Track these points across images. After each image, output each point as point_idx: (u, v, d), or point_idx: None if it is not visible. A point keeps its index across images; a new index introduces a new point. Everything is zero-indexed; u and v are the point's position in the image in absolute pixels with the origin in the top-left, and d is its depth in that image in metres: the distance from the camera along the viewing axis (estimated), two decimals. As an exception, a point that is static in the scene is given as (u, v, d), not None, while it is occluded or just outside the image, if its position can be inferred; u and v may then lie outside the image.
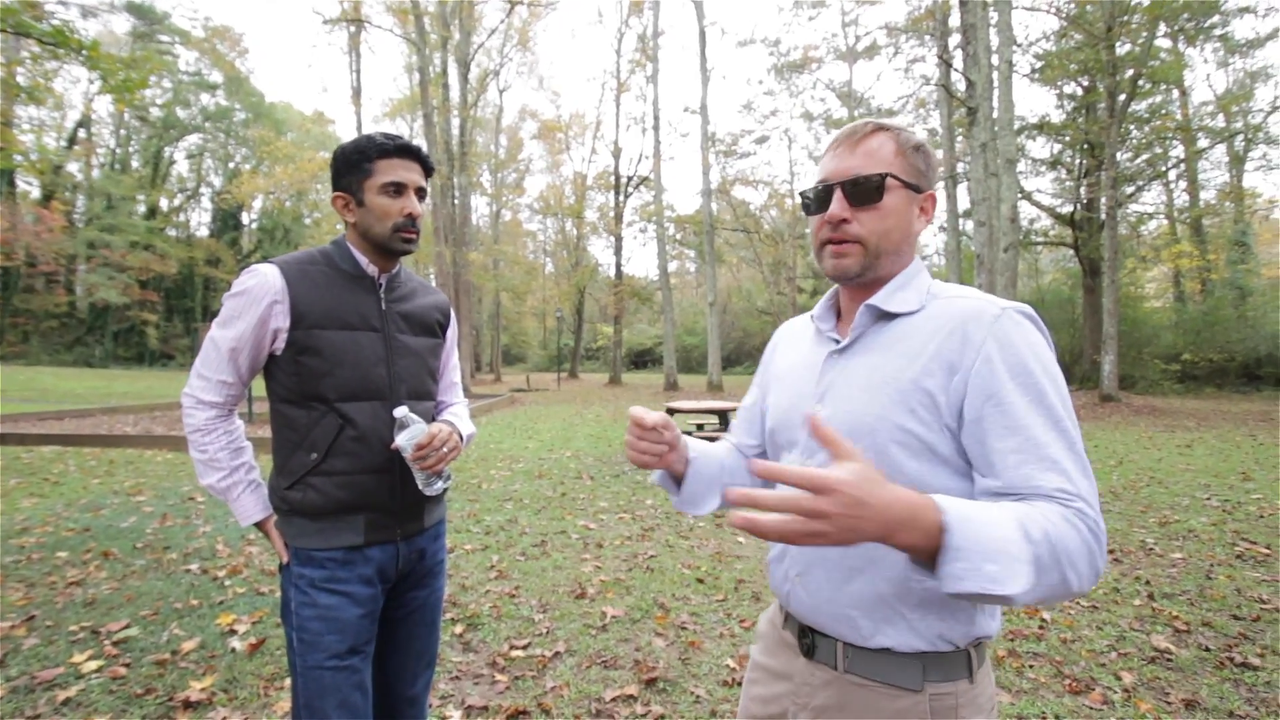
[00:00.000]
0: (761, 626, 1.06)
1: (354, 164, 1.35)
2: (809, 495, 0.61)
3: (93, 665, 2.55)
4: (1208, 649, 2.75)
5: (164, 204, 42.30)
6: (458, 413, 1.58)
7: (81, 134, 37.56)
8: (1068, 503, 0.73)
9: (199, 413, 1.33)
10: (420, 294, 1.52)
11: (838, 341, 0.94)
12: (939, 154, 21.96)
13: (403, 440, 1.29)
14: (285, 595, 1.34)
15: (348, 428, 1.31)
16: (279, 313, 1.29)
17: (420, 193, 1.39)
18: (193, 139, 43.25)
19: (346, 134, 38.69)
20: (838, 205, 0.89)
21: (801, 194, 0.95)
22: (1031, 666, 2.61)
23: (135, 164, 40.98)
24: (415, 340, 1.45)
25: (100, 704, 2.29)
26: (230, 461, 1.34)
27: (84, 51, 7.81)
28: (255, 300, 1.28)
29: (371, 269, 1.40)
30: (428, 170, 1.42)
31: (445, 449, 1.34)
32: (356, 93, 26.42)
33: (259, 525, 1.37)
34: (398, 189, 1.34)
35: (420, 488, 1.35)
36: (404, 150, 1.35)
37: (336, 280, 1.36)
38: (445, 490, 1.44)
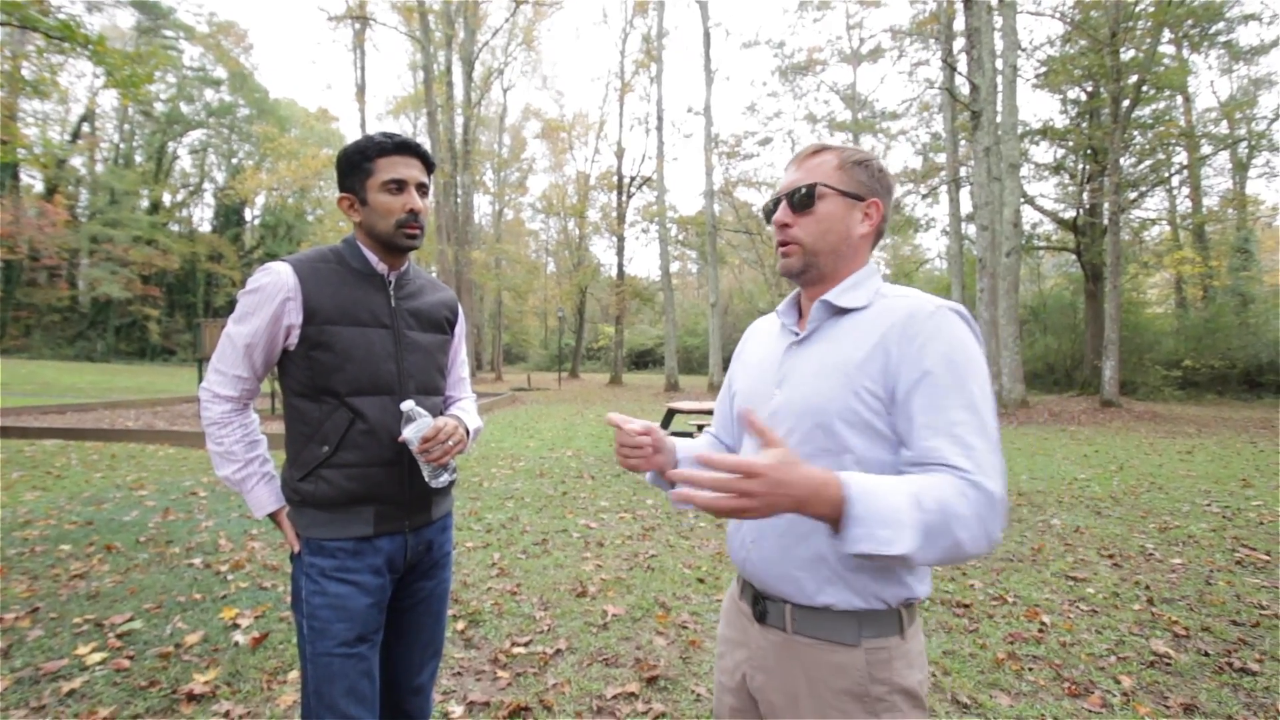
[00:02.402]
0: (725, 603, 1.18)
1: (355, 164, 1.38)
2: (739, 478, 0.76)
3: (97, 657, 2.57)
4: (1207, 654, 2.75)
5: (167, 199, 42.33)
6: (465, 407, 1.60)
7: (85, 128, 37.61)
8: (965, 475, 0.85)
9: (215, 406, 1.37)
10: (429, 291, 1.54)
11: (797, 334, 1.07)
12: (943, 157, 22.00)
13: (409, 433, 1.32)
14: (296, 584, 1.37)
15: (358, 421, 1.34)
16: (292, 309, 1.32)
17: (422, 188, 1.41)
18: (196, 134, 43.28)
19: (350, 131, 38.82)
20: (781, 212, 1.06)
21: (763, 206, 1.11)
22: (1031, 669, 2.62)
23: (139, 159, 41.01)
24: (424, 336, 1.48)
25: (104, 696, 2.31)
26: (245, 454, 1.37)
27: (90, 46, 7.83)
28: (269, 297, 1.32)
29: (381, 267, 1.43)
30: (429, 166, 1.44)
31: (451, 442, 1.36)
32: (361, 90, 26.44)
33: (272, 516, 1.41)
34: (399, 185, 1.37)
35: (426, 480, 1.38)
36: (403, 147, 1.38)
37: (347, 278, 1.39)
38: (451, 483, 1.46)
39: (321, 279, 1.36)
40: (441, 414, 1.52)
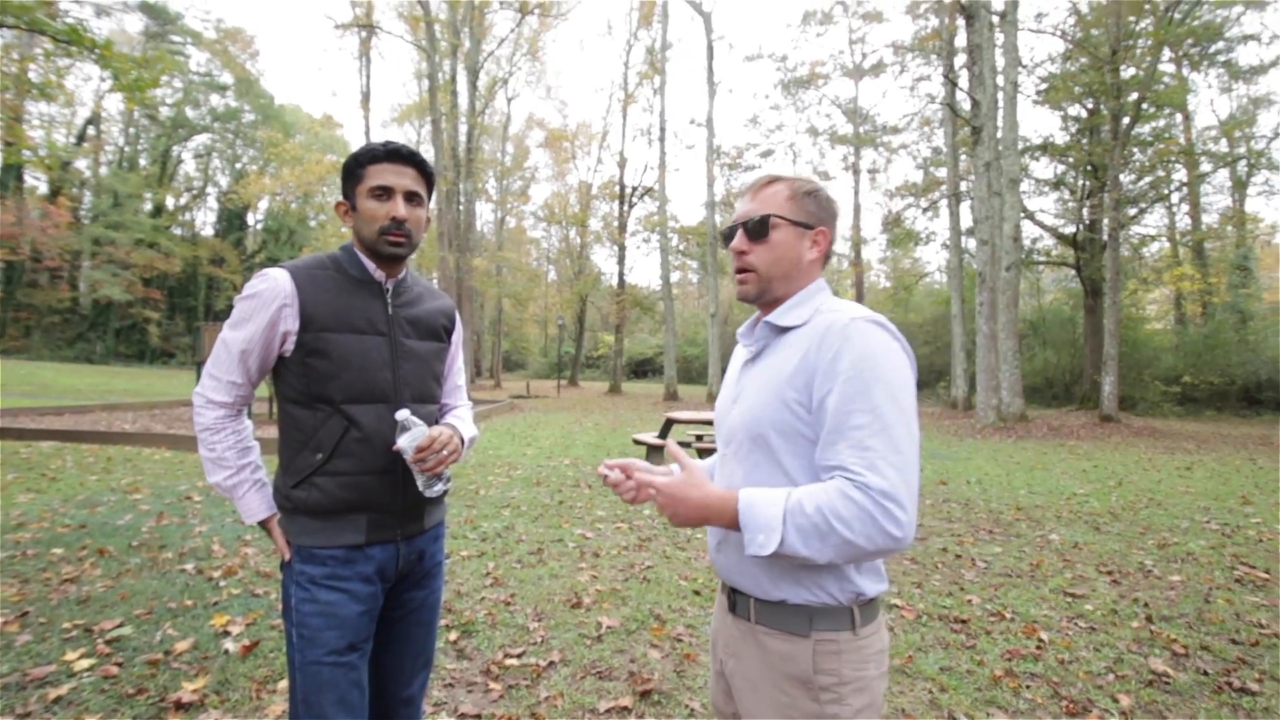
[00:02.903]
0: (717, 600, 1.26)
1: (350, 171, 1.39)
2: (650, 489, 1.05)
3: (85, 664, 2.54)
4: (1206, 673, 2.73)
5: (170, 203, 42.44)
6: (461, 416, 1.60)
7: (91, 131, 37.75)
8: (853, 476, 0.92)
9: (209, 412, 1.36)
10: (426, 299, 1.54)
11: (752, 353, 1.17)
12: (943, 172, 22.08)
13: (404, 442, 1.32)
14: (286, 592, 1.37)
15: (353, 429, 1.34)
16: (288, 316, 1.32)
17: (413, 197, 1.40)
18: (201, 139, 43.42)
19: (355, 138, 38.97)
20: (738, 240, 1.14)
21: (721, 233, 1.20)
22: (1029, 687, 2.59)
23: (143, 162, 41.13)
24: (420, 344, 1.47)
25: (91, 703, 2.28)
26: (237, 460, 1.37)
27: (96, 50, 7.88)
28: (266, 303, 1.32)
29: (379, 274, 1.43)
30: (426, 176, 1.43)
31: (445, 451, 1.35)
32: (365, 97, 26.60)
33: (263, 524, 1.40)
34: (384, 192, 1.36)
35: (420, 489, 1.37)
36: (394, 154, 1.37)
37: (345, 285, 1.39)
38: (445, 492, 1.46)
39: (319, 286, 1.36)
40: (437, 422, 1.51)
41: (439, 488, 1.40)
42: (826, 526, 0.90)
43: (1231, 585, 3.90)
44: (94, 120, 37.70)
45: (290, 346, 1.34)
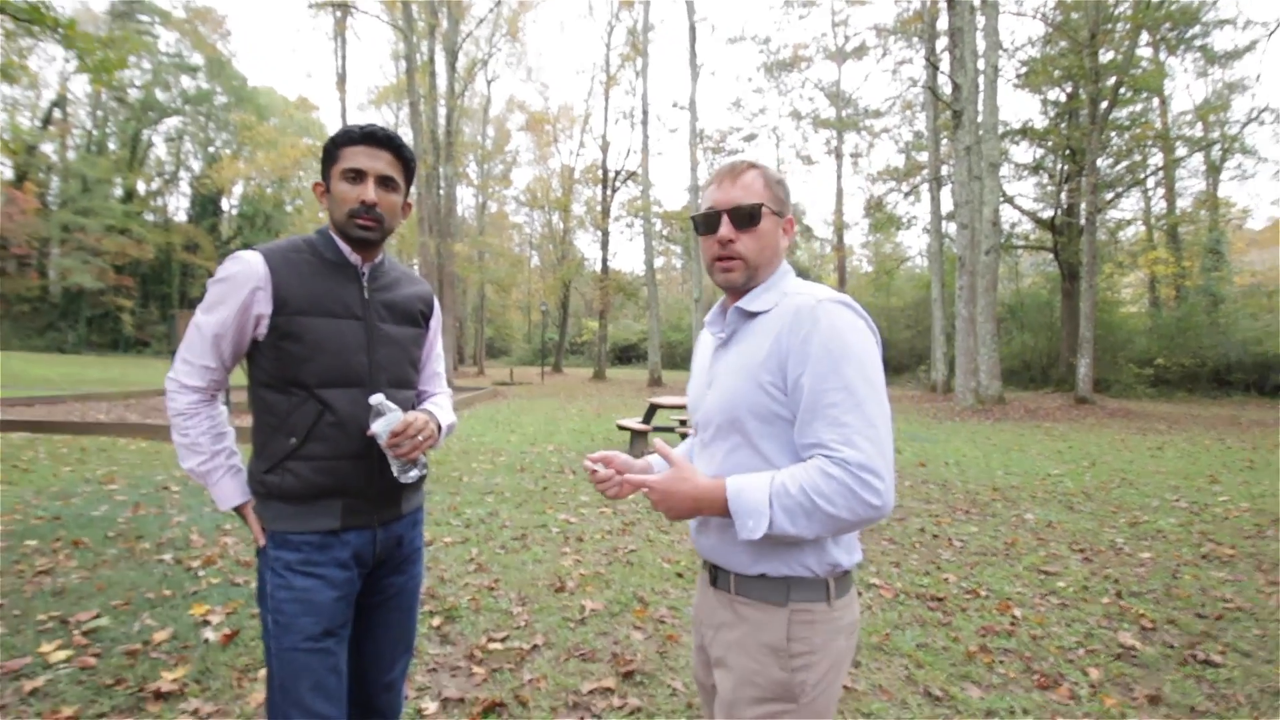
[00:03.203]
0: (699, 575, 1.29)
1: (327, 154, 1.38)
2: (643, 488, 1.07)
3: (61, 655, 2.51)
4: (1172, 646, 2.82)
5: (141, 188, 41.43)
6: (439, 402, 1.59)
7: (57, 114, 36.63)
8: (831, 453, 0.97)
9: (182, 397, 1.35)
10: (404, 284, 1.52)
11: (722, 339, 1.19)
12: (924, 156, 22.18)
13: (378, 427, 1.31)
14: (261, 579, 1.36)
15: (327, 413, 1.33)
16: (261, 299, 1.31)
17: (386, 181, 1.38)
18: (172, 122, 42.38)
19: (331, 121, 38.20)
20: (725, 228, 1.13)
21: (692, 218, 1.20)
22: (1002, 662, 2.66)
23: (112, 146, 40.05)
24: (397, 329, 1.46)
25: (68, 694, 2.26)
26: (211, 446, 1.35)
27: (60, 29, 7.62)
28: (238, 286, 1.30)
29: (354, 258, 1.41)
30: (404, 161, 1.41)
31: (420, 437, 1.35)
32: (341, 79, 26.05)
33: (237, 510, 1.39)
34: (356, 175, 1.35)
35: (395, 475, 1.37)
36: (369, 137, 1.35)
37: (320, 268, 1.37)
38: (421, 478, 1.45)
39: (293, 268, 1.34)
40: (414, 408, 1.50)
41: (414, 473, 1.39)
42: (810, 504, 0.95)
43: (1199, 562, 4.02)
44: (60, 103, 36.58)
45: (264, 330, 1.32)
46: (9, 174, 34.28)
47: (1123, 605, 3.28)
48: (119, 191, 38.97)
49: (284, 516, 1.34)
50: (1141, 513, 5.26)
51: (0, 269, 34.10)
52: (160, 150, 43.19)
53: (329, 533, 1.35)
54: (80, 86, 36.50)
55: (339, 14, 24.41)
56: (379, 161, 1.36)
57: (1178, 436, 10.47)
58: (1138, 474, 7.01)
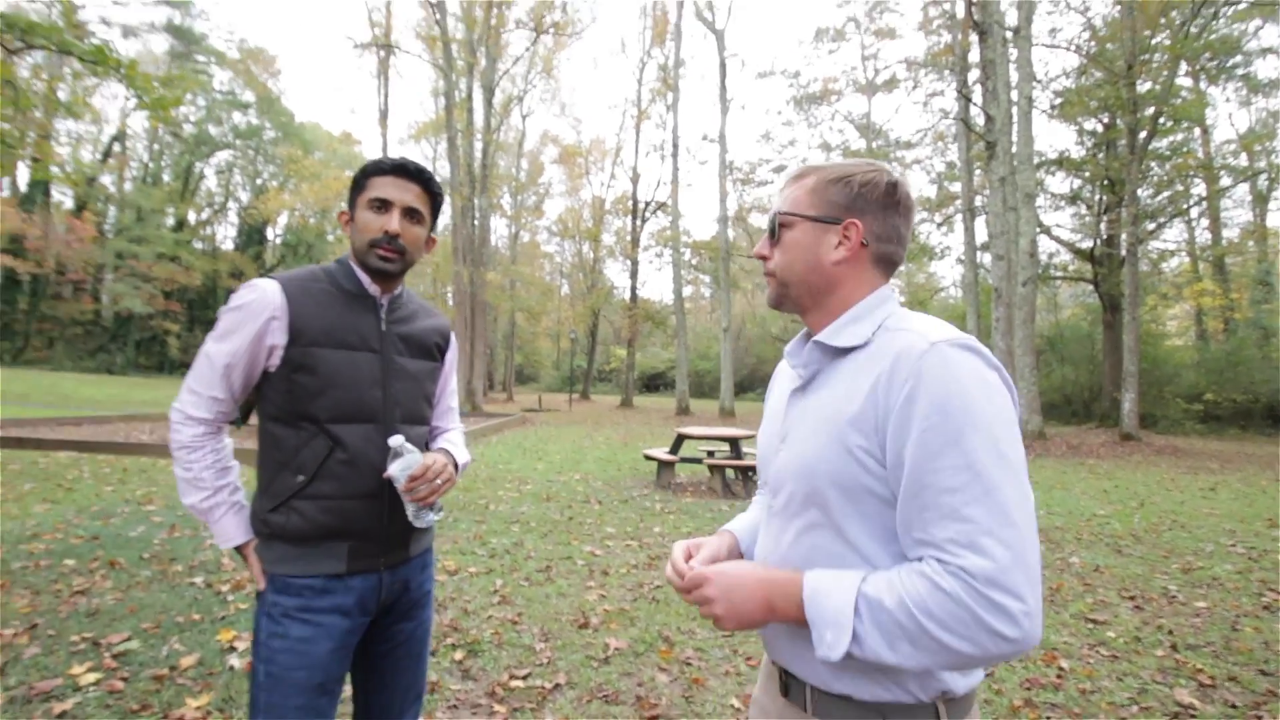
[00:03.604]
0: (764, 662, 1.07)
1: (356, 183, 1.36)
2: (697, 588, 0.85)
3: (91, 678, 2.53)
4: (1234, 706, 2.63)
5: (192, 217, 43.31)
6: (453, 439, 1.54)
7: (116, 148, 38.69)
8: (949, 558, 0.71)
9: (186, 429, 1.29)
10: (421, 316, 1.49)
11: (801, 379, 0.94)
12: (957, 187, 22.00)
13: (396, 470, 1.26)
14: (256, 625, 1.29)
15: (337, 450, 1.27)
16: (276, 329, 1.26)
17: (412, 214, 1.35)
18: (223, 155, 44.40)
19: (373, 154, 39.48)
20: (760, 243, 0.99)
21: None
22: (1049, 718, 2.51)
23: (166, 178, 42.06)
24: (413, 363, 1.42)
25: (96, 718, 2.27)
26: (215, 481, 1.30)
27: (122, 70, 8.06)
28: (253, 315, 1.26)
29: (373, 289, 1.38)
30: (431, 194, 1.39)
31: (439, 480, 1.29)
32: (383, 115, 27.01)
33: (239, 550, 1.33)
34: (382, 205, 1.32)
35: (410, 519, 1.31)
36: (399, 169, 1.33)
37: (338, 299, 1.33)
38: (436, 522, 1.40)
39: (310, 298, 1.30)
40: (428, 445, 1.46)
41: (431, 518, 1.34)
42: (914, 626, 0.71)
43: (1259, 612, 3.78)
44: (119, 137, 38.64)
45: (276, 361, 1.27)
46: (70, 204, 36.16)
47: (1179, 659, 3.09)
48: (171, 221, 40.78)
49: (287, 559, 1.27)
50: (1195, 558, 4.99)
51: (57, 293, 35.76)
52: (211, 182, 45.26)
53: (333, 576, 1.28)
54: (139, 122, 38.59)
55: (383, 54, 25.44)
56: (407, 194, 1.34)
57: (1231, 476, 9.97)
58: (1190, 516, 6.68)
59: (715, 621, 0.84)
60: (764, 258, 0.99)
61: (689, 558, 0.98)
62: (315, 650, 1.24)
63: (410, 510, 1.30)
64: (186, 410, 1.29)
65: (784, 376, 1.05)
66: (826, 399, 0.87)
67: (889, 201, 0.92)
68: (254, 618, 1.30)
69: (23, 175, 29.69)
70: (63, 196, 36.07)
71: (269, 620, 1.26)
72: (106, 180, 39.03)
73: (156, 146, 41.49)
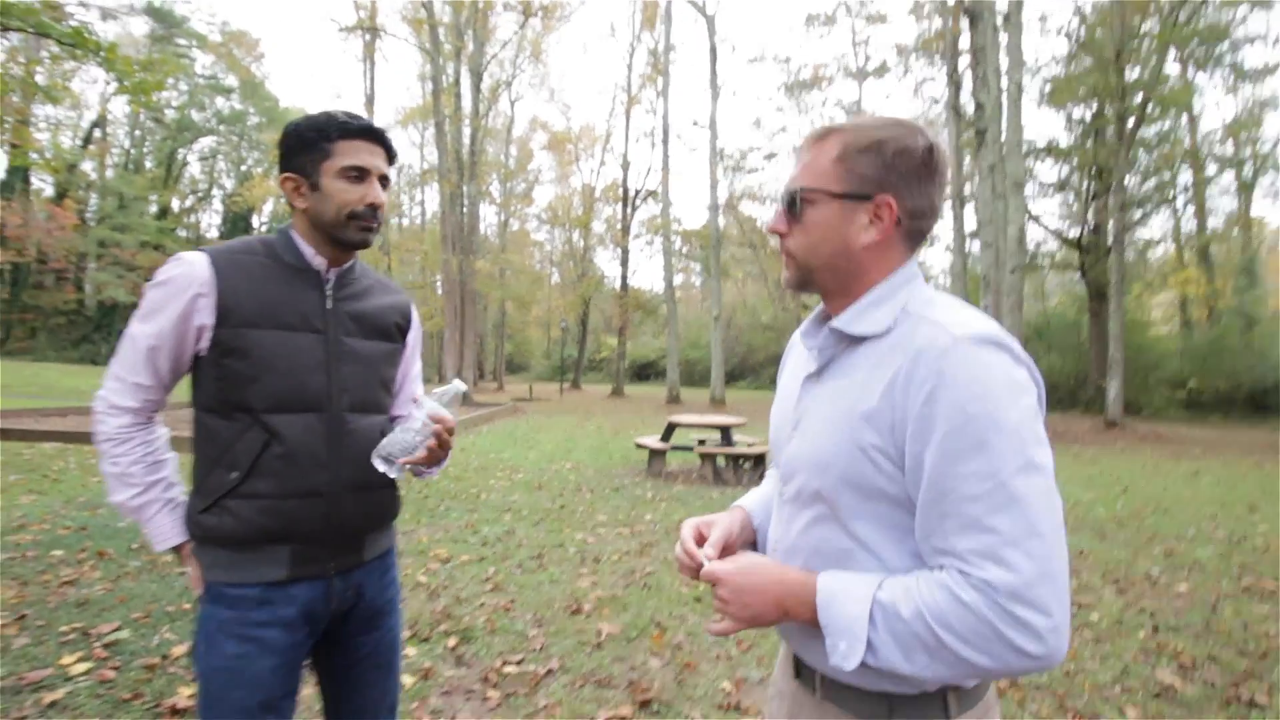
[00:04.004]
0: (781, 646, 1.06)
1: (310, 143, 1.20)
2: (711, 584, 0.82)
3: (81, 668, 2.52)
4: (1214, 685, 2.69)
5: (175, 205, 42.64)
6: None
7: (97, 134, 37.94)
8: (970, 569, 0.67)
9: (111, 419, 1.17)
10: (377, 292, 1.35)
11: (814, 366, 0.88)
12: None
13: (437, 403, 1.19)
14: (195, 638, 1.19)
15: (274, 443, 1.15)
16: (204, 307, 1.14)
17: (384, 180, 1.25)
18: (206, 141, 43.66)
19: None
20: (775, 218, 0.88)
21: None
22: (1033, 699, 2.56)
23: (149, 164, 41.34)
24: (365, 344, 1.28)
25: (87, 708, 2.26)
26: (145, 477, 1.18)
27: (102, 53, 7.89)
28: (178, 292, 1.14)
29: (318, 261, 1.24)
30: (392, 157, 1.29)
31: (438, 448, 1.20)
32: (369, 100, 26.69)
33: (176, 551, 1.21)
34: (360, 174, 1.20)
35: (379, 463, 1.18)
36: (368, 132, 1.22)
37: (275, 273, 1.20)
38: (396, 496, 1.34)
39: (243, 273, 1.17)
40: (383, 435, 1.33)
41: (393, 472, 1.20)
42: (932, 639, 0.68)
43: (1239, 594, 3.86)
44: (100, 123, 37.88)
45: (205, 344, 1.15)
46: (50, 191, 35.50)
47: (1160, 640, 3.15)
48: (154, 208, 40.12)
49: (221, 565, 1.15)
50: (1177, 542, 5.08)
51: (39, 283, 35.18)
52: (194, 169, 44.53)
53: (273, 584, 1.16)
54: (120, 107, 37.80)
55: (369, 37, 25.07)
56: (378, 159, 1.23)
57: (1214, 461, 10.14)
58: (1172, 501, 6.79)
59: (723, 615, 0.82)
60: (781, 233, 0.87)
61: (699, 539, 0.95)
62: (253, 668, 1.13)
63: (395, 441, 1.17)
64: (110, 399, 1.18)
65: (797, 354, 0.98)
66: (843, 389, 0.82)
67: (925, 171, 0.82)
68: (194, 629, 1.19)
69: (1, 162, 29.11)
70: (43, 184, 35.34)
71: (204, 636, 1.15)
72: (87, 167, 38.30)
73: (138, 132, 40.76)
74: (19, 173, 31.41)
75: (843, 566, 0.80)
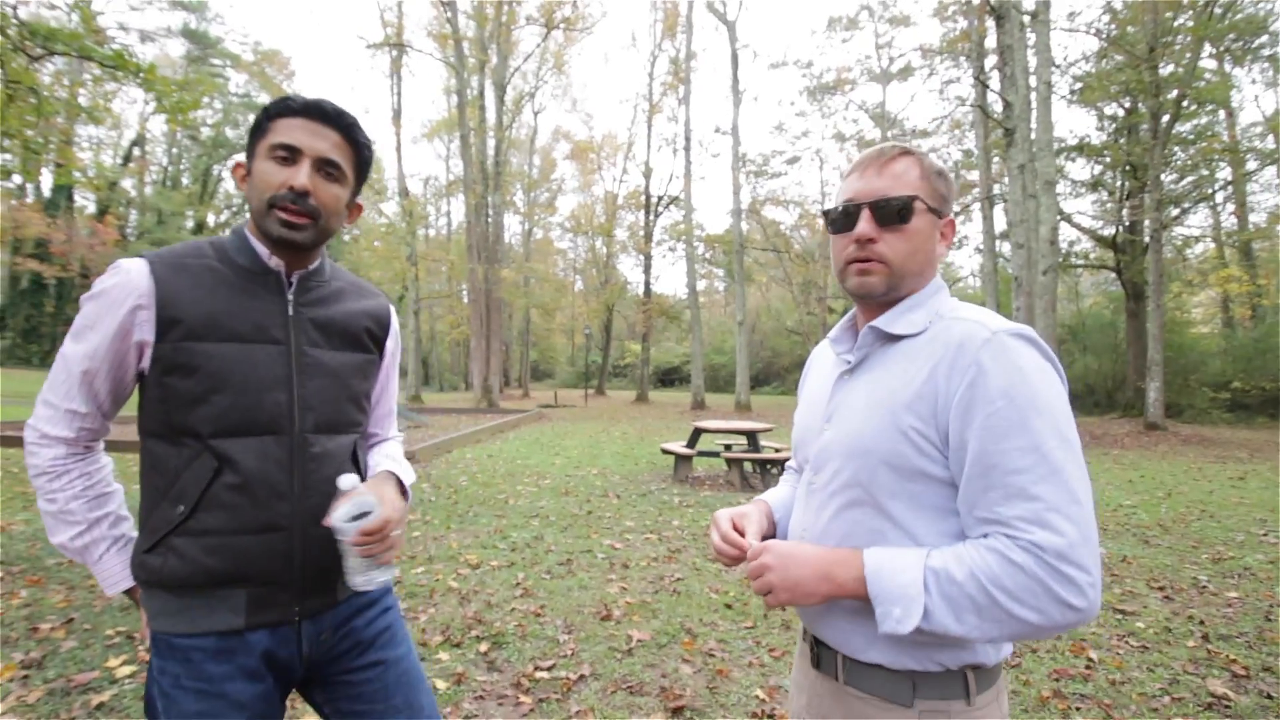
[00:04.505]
0: (798, 643, 1.09)
1: (256, 124, 1.07)
2: (754, 559, 0.88)
3: (126, 670, 2.59)
4: (1270, 696, 2.58)
5: (211, 219, 43.88)
6: (392, 453, 1.26)
7: (136, 152, 39.32)
8: (1019, 534, 0.75)
9: (45, 450, 1.02)
10: (348, 297, 1.19)
11: (849, 363, 0.96)
12: (975, 175, 21.69)
13: (342, 517, 0.98)
14: (148, 693, 1.03)
15: (225, 471, 1.00)
16: (143, 320, 1.00)
17: (328, 167, 1.05)
18: (240, 157, 44.95)
19: (387, 154, 39.77)
20: (866, 225, 0.91)
21: (826, 213, 0.98)
22: (1079, 709, 2.48)
23: (185, 181, 42.71)
24: (333, 356, 1.12)
25: (132, 709, 2.32)
26: (88, 513, 1.04)
27: (141, 74, 8.15)
28: (113, 305, 0.99)
29: (275, 263, 1.08)
30: (355, 144, 1.10)
31: (398, 532, 1.03)
32: (397, 114, 27.16)
33: (129, 594, 1.08)
34: (288, 153, 1.02)
35: (351, 580, 1.02)
36: (312, 109, 1.04)
37: (227, 278, 1.05)
38: (386, 584, 1.10)
39: (188, 278, 1.02)
40: (357, 458, 1.18)
41: (380, 578, 1.03)
42: (985, 598, 0.74)
43: (1294, 602, 3.70)
44: (139, 141, 39.24)
45: (147, 361, 1.02)
46: (92, 208, 36.80)
47: (1211, 649, 3.04)
48: (190, 223, 41.37)
49: (168, 612, 1.00)
50: (1225, 548, 4.90)
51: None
52: (228, 184, 45.79)
53: (228, 633, 1.00)
54: (158, 126, 39.16)
55: (395, 53, 25.56)
56: (321, 140, 1.04)
57: (1261, 465, 9.77)
58: (1219, 505, 6.55)
59: (768, 594, 0.86)
60: (871, 240, 0.91)
61: (736, 528, 1.00)
62: None
63: (354, 567, 1.01)
64: (42, 428, 1.03)
65: (824, 362, 1.07)
66: (881, 380, 0.90)
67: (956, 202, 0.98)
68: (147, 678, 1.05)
69: (46, 181, 30.28)
70: (85, 201, 36.73)
71: (158, 690, 1.00)
72: (127, 184, 39.67)
73: (175, 150, 42.13)
74: (63, 191, 32.66)
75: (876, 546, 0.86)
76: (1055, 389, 0.80)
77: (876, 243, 0.91)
